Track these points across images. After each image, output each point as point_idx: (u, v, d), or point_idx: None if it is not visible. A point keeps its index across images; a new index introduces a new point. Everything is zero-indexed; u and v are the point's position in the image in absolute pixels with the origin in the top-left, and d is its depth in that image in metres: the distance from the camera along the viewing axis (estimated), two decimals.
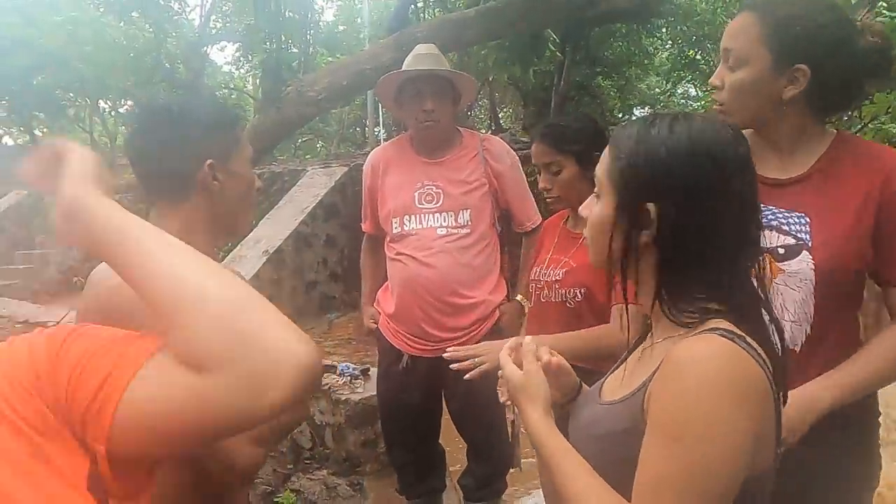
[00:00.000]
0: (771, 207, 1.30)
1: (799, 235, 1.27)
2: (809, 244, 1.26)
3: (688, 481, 0.78)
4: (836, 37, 1.23)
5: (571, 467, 0.89)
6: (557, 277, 1.82)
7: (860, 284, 1.28)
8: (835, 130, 1.34)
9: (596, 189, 0.98)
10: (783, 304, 1.28)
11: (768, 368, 0.84)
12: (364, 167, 2.47)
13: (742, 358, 0.81)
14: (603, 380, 1.08)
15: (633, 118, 0.99)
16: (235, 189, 1.26)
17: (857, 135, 1.43)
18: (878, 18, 1.95)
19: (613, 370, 1.09)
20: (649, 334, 1.07)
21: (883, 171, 1.24)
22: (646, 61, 12.60)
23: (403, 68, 2.28)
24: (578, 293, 1.77)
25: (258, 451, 1.09)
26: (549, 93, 10.29)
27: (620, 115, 12.22)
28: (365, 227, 2.48)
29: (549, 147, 1.83)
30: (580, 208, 1.03)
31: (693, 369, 0.80)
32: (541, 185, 1.86)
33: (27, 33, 10.60)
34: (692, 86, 13.92)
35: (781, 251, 1.28)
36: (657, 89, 14.50)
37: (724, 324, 0.85)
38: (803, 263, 1.26)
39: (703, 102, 12.25)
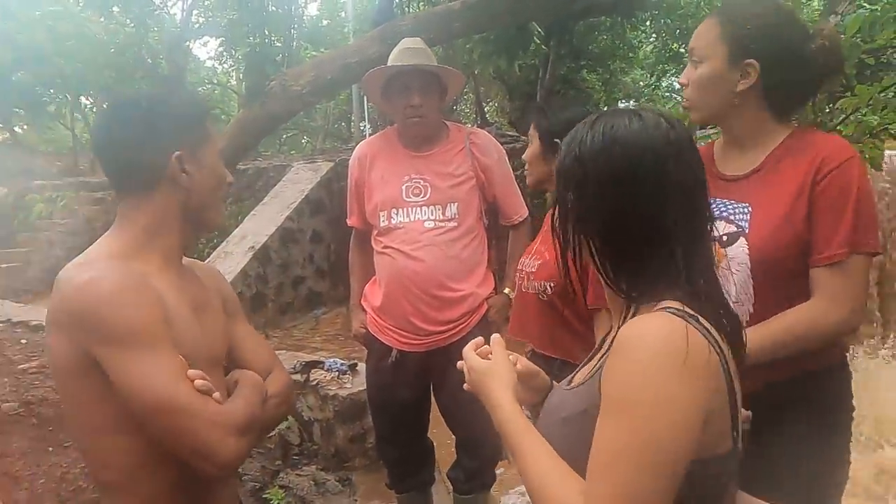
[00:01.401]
0: (724, 200, 1.39)
1: (740, 223, 1.36)
2: (746, 231, 1.35)
3: (636, 455, 0.79)
4: (784, 36, 1.34)
5: (534, 448, 0.91)
6: (532, 269, 1.86)
7: (800, 268, 1.33)
8: (795, 126, 1.43)
9: None
10: (727, 288, 1.34)
11: (718, 347, 0.85)
12: (350, 161, 2.45)
13: (691, 334, 0.82)
14: (577, 370, 1.10)
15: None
16: (204, 182, 1.23)
17: (817, 129, 1.51)
18: (859, 11, 1.99)
19: (587, 360, 1.10)
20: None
21: (816, 160, 1.31)
22: (630, 55, 12.67)
23: (389, 62, 2.27)
24: (549, 286, 1.79)
25: (239, 441, 1.08)
26: (535, 87, 10.31)
27: (605, 109, 12.27)
28: (351, 221, 2.46)
29: (538, 131, 1.90)
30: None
31: (639, 344, 0.82)
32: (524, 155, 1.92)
33: (6, 28, 10.46)
34: (676, 79, 13.99)
35: (725, 238, 1.36)
36: (641, 82, 14.57)
37: (674, 304, 0.87)
38: (740, 249, 1.35)
39: None
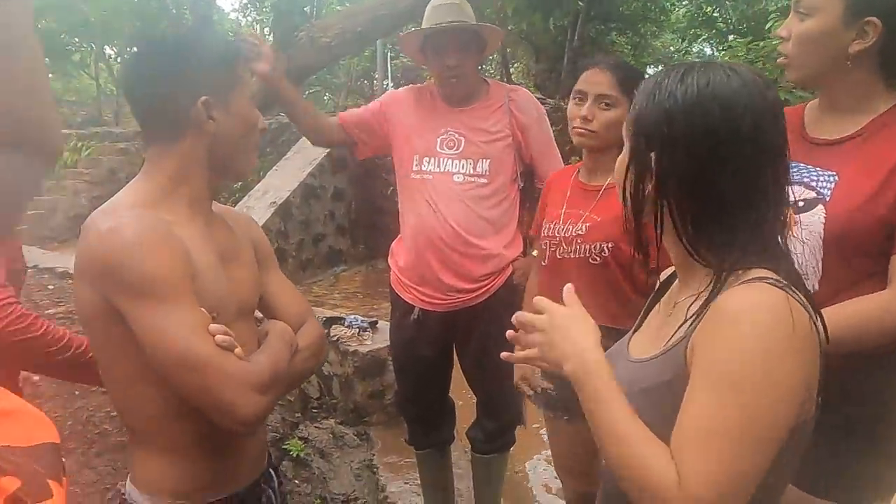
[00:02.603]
0: (808, 165, 1.28)
1: (821, 191, 1.26)
2: (827, 199, 1.24)
3: (740, 432, 0.77)
4: None
5: (624, 410, 0.85)
6: (580, 232, 1.77)
7: (881, 250, 1.21)
8: None
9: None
10: (795, 253, 1.27)
11: (814, 317, 0.83)
12: (387, 95, 2.42)
13: (794, 306, 0.79)
14: (626, 339, 1.07)
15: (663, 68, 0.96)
16: (234, 129, 1.17)
17: None
18: None
19: (636, 329, 1.08)
20: (668, 291, 1.05)
21: None
22: (661, 18, 12.33)
23: (424, 21, 2.21)
24: (605, 248, 1.72)
25: (261, 399, 1.05)
26: (562, 48, 10.10)
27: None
28: (342, 119, 2.40)
29: (614, 80, 1.73)
30: (618, 160, 0.99)
31: (747, 317, 0.79)
32: (583, 112, 1.74)
33: None
34: (708, 45, 13.62)
35: (801, 204, 1.27)
36: (672, 47, 14.21)
37: (767, 273, 0.84)
38: (815, 217, 1.25)
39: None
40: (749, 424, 0.77)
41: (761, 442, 0.77)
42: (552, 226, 1.84)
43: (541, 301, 0.98)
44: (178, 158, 1.15)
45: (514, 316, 1.02)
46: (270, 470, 1.30)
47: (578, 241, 1.77)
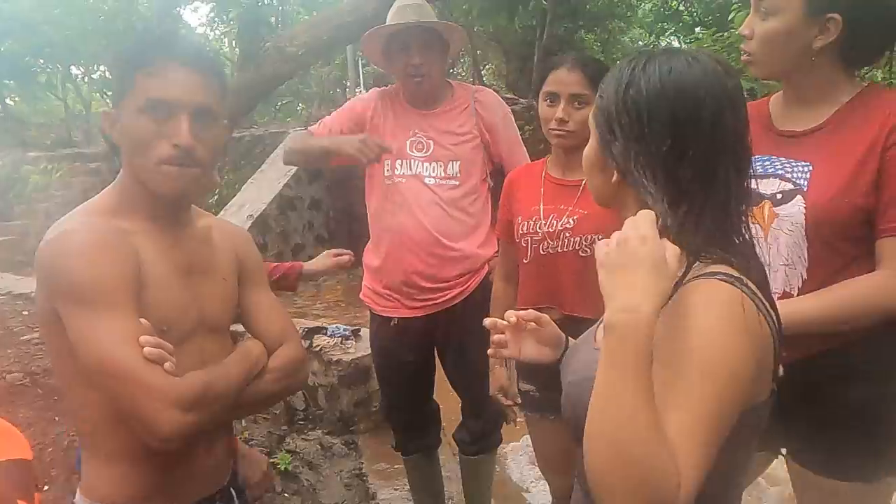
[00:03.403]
0: (780, 158, 1.30)
1: (797, 181, 1.28)
2: (805, 189, 1.26)
3: (712, 419, 0.77)
4: None
5: (647, 386, 0.75)
6: (568, 225, 1.77)
7: (862, 234, 1.24)
8: (865, 83, 1.32)
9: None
10: (778, 247, 1.29)
11: (766, 308, 0.85)
12: (347, 104, 2.41)
13: (744, 301, 0.81)
14: (596, 326, 1.08)
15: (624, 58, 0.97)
16: (123, 143, 1.10)
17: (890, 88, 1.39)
18: None
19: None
20: None
21: (889, 121, 1.21)
22: (628, 13, 12.43)
23: (388, 21, 2.21)
24: (596, 240, 1.73)
25: (182, 416, 0.98)
26: (532, 48, 10.14)
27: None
28: (318, 132, 2.34)
29: (585, 78, 1.73)
30: (584, 152, 1.00)
31: (706, 311, 0.80)
32: (558, 114, 1.75)
33: None
34: (675, 38, 13.77)
35: (779, 196, 1.29)
36: (640, 42, 14.33)
37: (722, 268, 0.85)
38: (795, 207, 1.27)
39: None
40: (718, 412, 0.78)
41: (723, 424, 0.79)
42: (531, 222, 1.83)
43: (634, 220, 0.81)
44: (124, 170, 1.15)
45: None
46: (232, 490, 1.25)
47: (567, 234, 1.77)
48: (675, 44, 13.92)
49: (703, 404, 0.77)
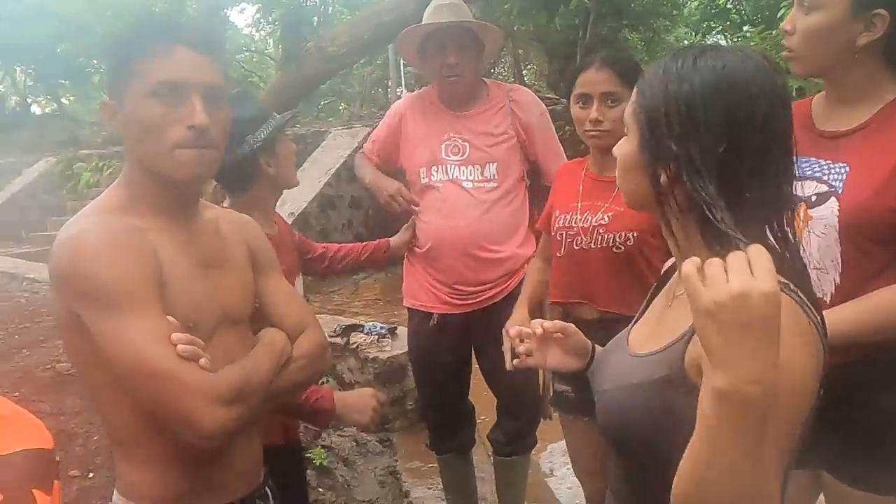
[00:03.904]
0: (818, 159, 1.27)
1: (833, 183, 1.24)
2: (839, 191, 1.23)
3: (787, 426, 0.74)
4: None
5: (761, 454, 0.70)
6: (602, 222, 1.75)
7: None
8: None
9: (626, 128, 0.94)
10: (809, 251, 1.25)
11: (815, 316, 0.81)
12: (388, 111, 2.44)
13: (799, 310, 0.78)
14: (627, 330, 1.06)
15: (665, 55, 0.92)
16: (129, 131, 1.06)
17: None
18: None
19: (636, 320, 1.07)
20: (669, 282, 1.04)
21: None
22: (674, 12, 12.22)
23: (424, 20, 2.21)
24: (631, 237, 1.71)
25: (225, 411, 0.97)
26: (574, 48, 10.04)
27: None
28: (369, 153, 2.44)
29: (615, 76, 1.72)
30: (614, 149, 0.97)
31: (787, 341, 0.73)
32: (592, 115, 1.74)
33: (49, 2, 10.61)
34: (722, 37, 13.47)
35: (814, 198, 1.25)
36: (686, 41, 14.07)
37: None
38: (828, 210, 1.23)
39: None
40: (787, 428, 0.75)
41: (792, 435, 0.76)
42: (568, 217, 1.83)
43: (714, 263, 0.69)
44: (129, 163, 1.11)
45: (508, 326, 0.94)
46: (267, 489, 1.24)
47: (601, 230, 1.75)
48: (722, 42, 13.65)
49: (784, 438, 0.74)
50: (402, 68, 12.41)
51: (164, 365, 0.95)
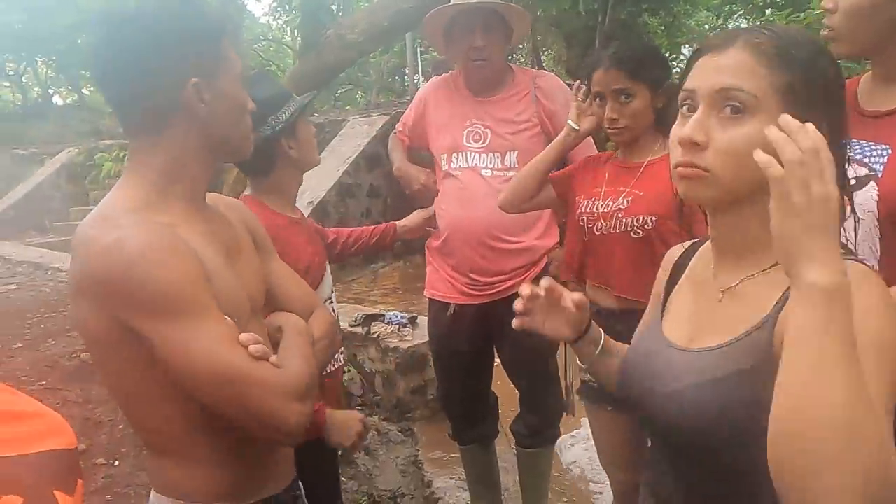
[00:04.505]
0: (860, 141, 1.22)
1: (873, 166, 1.20)
2: (879, 175, 1.19)
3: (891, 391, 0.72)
4: None
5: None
6: (621, 206, 1.74)
7: None
8: None
9: (739, 106, 0.82)
10: (846, 236, 1.21)
11: None
12: (416, 95, 2.44)
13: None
14: (656, 326, 1.01)
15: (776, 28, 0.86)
16: (227, 113, 1.07)
17: None
18: None
19: (661, 314, 1.03)
20: (690, 273, 1.01)
21: None
22: None
23: (451, 2, 2.18)
24: (649, 220, 1.69)
25: (303, 407, 0.99)
26: (593, 33, 9.91)
27: (668, 55, 11.73)
28: (404, 140, 2.46)
29: (623, 73, 1.72)
30: (686, 134, 0.85)
31: (867, 292, 0.75)
32: (608, 114, 1.75)
33: None
34: (745, 20, 13.23)
35: (853, 182, 1.20)
36: (707, 25, 13.84)
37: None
38: (868, 194, 1.19)
39: None
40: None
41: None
42: (590, 202, 1.82)
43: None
44: (168, 150, 1.04)
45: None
46: (299, 483, 1.25)
47: (619, 214, 1.74)
48: (744, 26, 13.39)
49: (883, 382, 0.71)
50: (419, 56, 12.34)
51: (243, 369, 0.94)
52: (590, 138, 2.24)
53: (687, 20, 12.68)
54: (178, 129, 1.04)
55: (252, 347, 0.96)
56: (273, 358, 0.99)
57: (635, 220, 1.72)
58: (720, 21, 13.42)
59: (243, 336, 0.97)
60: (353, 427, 1.57)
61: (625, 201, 1.75)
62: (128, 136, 1.07)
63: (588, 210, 1.82)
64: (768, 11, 10.95)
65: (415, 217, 2.31)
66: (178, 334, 0.93)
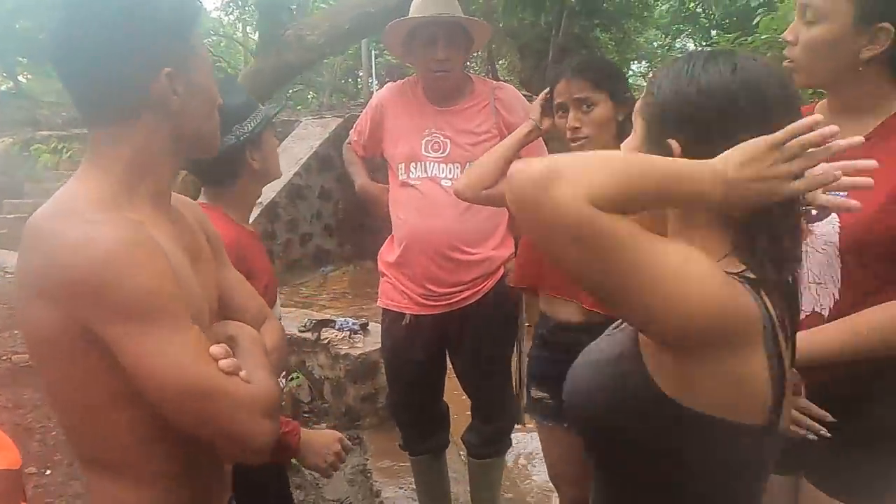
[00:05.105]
0: None
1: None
2: None
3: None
4: None
5: None
6: None
7: None
8: None
9: (634, 124, 0.96)
10: (808, 266, 1.25)
11: (771, 318, 0.83)
12: (371, 101, 2.41)
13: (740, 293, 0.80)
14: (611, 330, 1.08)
15: (677, 57, 0.96)
16: (200, 106, 1.02)
17: None
18: None
19: None
20: None
21: None
22: (645, 13, 12.32)
23: (412, 12, 2.17)
24: None
25: (272, 423, 0.96)
26: (547, 45, 10.05)
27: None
28: (356, 148, 2.45)
29: (585, 81, 1.73)
30: (622, 145, 0.98)
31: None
32: (570, 124, 1.74)
33: None
34: (691, 40, 13.66)
35: (814, 213, 1.23)
36: (656, 43, 14.23)
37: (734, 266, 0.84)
38: (829, 226, 1.22)
39: None
40: None
41: None
42: None
43: None
44: (136, 144, 0.97)
45: None
46: (233, 499, 1.20)
47: None
48: (691, 46, 13.83)
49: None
50: (373, 59, 12.28)
51: (213, 383, 0.90)
52: (542, 142, 2.27)
53: (637, 37, 12.99)
54: (148, 122, 0.97)
55: (223, 362, 0.92)
56: (243, 373, 0.94)
57: None
58: (668, 39, 13.83)
59: (214, 349, 0.93)
60: (332, 448, 1.50)
61: None
62: (90, 126, 0.99)
63: None
64: (714, 33, 11.35)
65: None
66: (149, 343, 0.87)
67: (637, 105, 0.95)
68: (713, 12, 11.56)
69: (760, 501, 0.93)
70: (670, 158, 0.83)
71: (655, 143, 0.89)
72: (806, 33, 1.24)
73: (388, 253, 2.30)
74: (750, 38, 4.59)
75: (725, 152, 0.80)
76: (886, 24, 1.16)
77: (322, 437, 1.53)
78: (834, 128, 0.80)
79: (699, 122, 0.85)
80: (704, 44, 11.52)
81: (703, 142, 0.83)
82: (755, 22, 4.19)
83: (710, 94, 0.84)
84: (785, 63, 1.29)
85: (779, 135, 0.79)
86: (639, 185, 0.75)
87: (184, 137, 1.02)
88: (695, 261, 0.77)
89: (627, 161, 0.80)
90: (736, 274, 0.82)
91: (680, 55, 0.94)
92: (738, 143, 0.81)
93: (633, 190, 0.74)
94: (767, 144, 0.79)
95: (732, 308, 0.79)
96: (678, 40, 13.99)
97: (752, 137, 0.81)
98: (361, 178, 2.42)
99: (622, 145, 0.98)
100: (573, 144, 1.78)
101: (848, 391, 1.23)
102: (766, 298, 0.83)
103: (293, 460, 1.79)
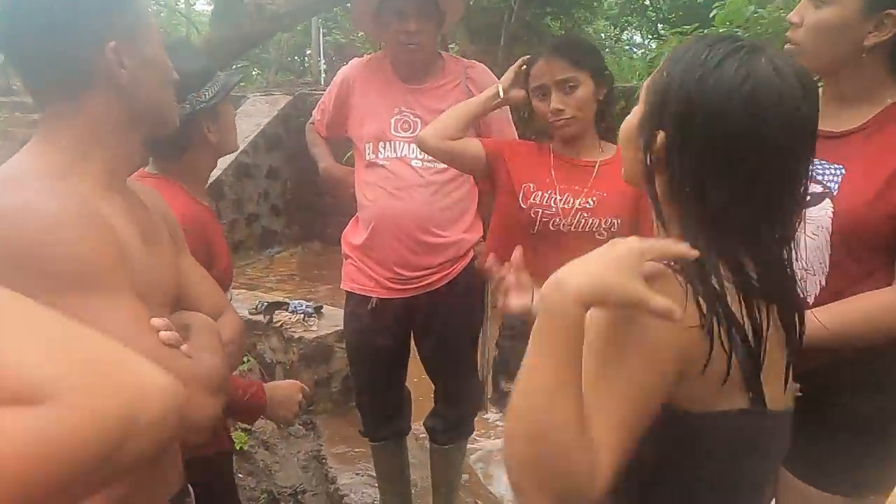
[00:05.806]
0: (815, 160, 1.25)
1: (828, 184, 1.24)
2: (834, 193, 1.23)
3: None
4: None
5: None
6: (587, 206, 1.71)
7: (889, 245, 1.20)
8: None
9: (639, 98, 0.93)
10: (798, 251, 1.26)
11: (715, 312, 0.78)
12: (335, 78, 2.31)
13: (674, 281, 0.80)
14: None
15: (703, 36, 0.90)
16: (151, 79, 0.99)
17: None
18: None
19: None
20: None
21: None
22: (594, 4, 12.44)
23: None
24: (615, 223, 1.69)
25: (215, 402, 0.94)
26: (498, 30, 10.04)
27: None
28: (318, 129, 2.37)
29: (566, 61, 1.69)
30: (628, 118, 0.94)
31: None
32: (553, 105, 1.71)
33: None
34: (638, 32, 13.90)
35: (808, 198, 1.24)
36: (604, 34, 14.40)
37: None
38: (823, 211, 1.23)
39: (643, 51, 12.29)
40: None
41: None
42: (546, 195, 1.75)
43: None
44: (85, 119, 0.95)
45: None
46: (188, 484, 1.16)
47: (585, 214, 1.71)
48: (638, 38, 14.07)
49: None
50: (321, 36, 11.99)
51: (153, 356, 0.81)
52: (509, 114, 2.23)
53: (586, 27, 13.11)
54: (97, 97, 0.95)
55: (163, 334, 0.89)
56: (185, 347, 0.92)
57: (602, 221, 1.70)
58: (617, 30, 14.03)
59: (156, 321, 0.90)
60: (295, 398, 1.53)
61: (590, 201, 1.72)
62: (37, 102, 0.97)
63: (543, 202, 1.75)
64: (660, 26, 11.56)
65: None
66: (87, 312, 0.82)
67: (647, 82, 0.92)
68: (661, 5, 11.76)
69: (766, 482, 0.91)
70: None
71: (648, 128, 0.87)
72: (813, 15, 1.23)
73: (353, 234, 2.22)
74: (705, 31, 4.67)
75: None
76: (894, 11, 1.17)
77: (284, 390, 1.57)
78: None
79: (687, 124, 0.82)
80: (651, 38, 11.72)
81: (686, 142, 0.82)
82: (712, 14, 4.25)
83: (707, 99, 0.80)
84: (787, 46, 1.28)
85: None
86: None
87: (137, 112, 1.00)
88: None
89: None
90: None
91: (685, 42, 0.89)
92: (725, 158, 0.80)
93: None
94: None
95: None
96: (626, 32, 14.21)
97: (740, 156, 0.79)
98: (326, 160, 2.33)
99: (627, 120, 0.94)
100: (557, 126, 1.74)
101: (828, 380, 1.24)
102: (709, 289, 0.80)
103: (237, 446, 1.76)
